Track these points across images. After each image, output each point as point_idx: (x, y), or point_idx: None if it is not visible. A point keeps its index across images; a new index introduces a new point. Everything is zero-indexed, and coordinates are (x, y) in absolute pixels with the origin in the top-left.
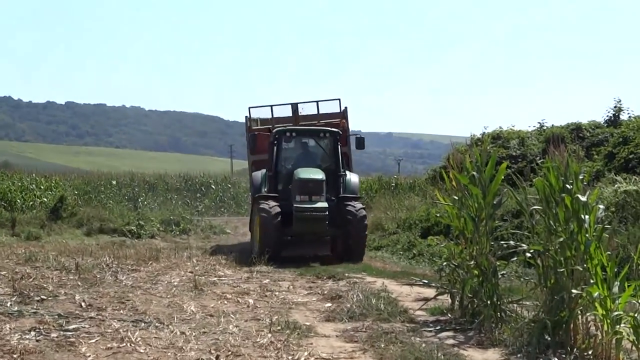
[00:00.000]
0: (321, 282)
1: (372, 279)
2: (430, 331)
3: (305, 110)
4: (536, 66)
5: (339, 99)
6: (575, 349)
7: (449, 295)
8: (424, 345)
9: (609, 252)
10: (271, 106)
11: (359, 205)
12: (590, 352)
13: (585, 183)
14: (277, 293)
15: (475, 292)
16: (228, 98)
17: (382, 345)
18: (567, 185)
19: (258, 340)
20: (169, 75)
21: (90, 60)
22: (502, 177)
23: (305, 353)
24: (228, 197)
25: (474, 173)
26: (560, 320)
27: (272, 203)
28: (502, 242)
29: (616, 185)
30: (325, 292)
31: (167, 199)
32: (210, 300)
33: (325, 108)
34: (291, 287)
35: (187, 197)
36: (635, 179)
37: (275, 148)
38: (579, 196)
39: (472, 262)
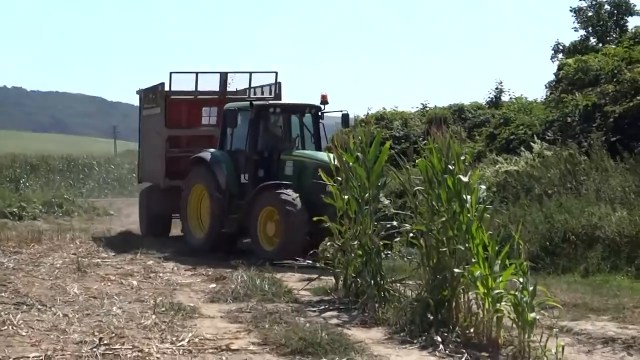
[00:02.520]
0: (206, 262)
1: (256, 259)
2: (315, 311)
3: (235, 81)
4: (418, 48)
5: (276, 72)
6: (457, 327)
7: (332, 276)
8: (308, 325)
9: (490, 232)
10: (196, 73)
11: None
12: (472, 330)
13: (467, 164)
14: (161, 274)
15: (358, 272)
16: (111, 78)
17: (267, 326)
18: (449, 166)
19: (142, 321)
20: (51, 55)
21: None
22: (386, 158)
23: (190, 334)
24: (112, 178)
25: (358, 154)
26: (442, 299)
27: (293, 194)
28: (386, 223)
29: (497, 166)
30: (210, 273)
31: (50, 180)
32: (94, 282)
33: (258, 82)
34: (175, 268)
35: (70, 178)
36: (516, 160)
37: (254, 127)
38: (461, 177)
39: (356, 242)
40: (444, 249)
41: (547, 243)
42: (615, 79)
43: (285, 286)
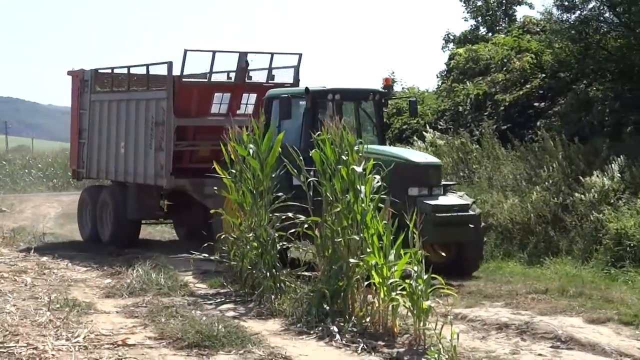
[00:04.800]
0: (100, 257)
1: (152, 253)
2: (211, 304)
3: (255, 63)
4: (308, 37)
5: (300, 54)
6: (353, 317)
7: (229, 268)
8: (204, 318)
9: (385, 222)
10: (213, 52)
11: (468, 198)
12: (368, 320)
13: (360, 154)
14: (55, 271)
15: (254, 264)
16: (0, 73)
17: (163, 320)
18: (343, 157)
19: (37, 319)
20: None
21: None
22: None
23: (85, 330)
24: (3, 174)
25: (252, 146)
26: (338, 289)
27: None
28: (281, 214)
29: None
30: (105, 268)
31: None
32: None
33: (279, 64)
34: (70, 264)
35: None
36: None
37: (310, 117)
38: (355, 167)
39: (251, 234)
40: (339, 240)
41: None
42: (505, 68)
43: (181, 280)
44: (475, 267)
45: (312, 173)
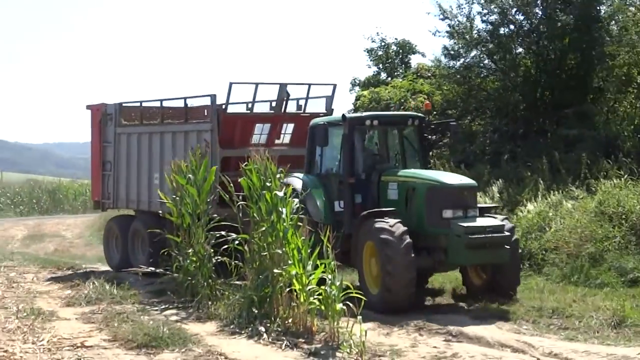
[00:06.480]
0: (61, 272)
1: (106, 267)
2: (157, 310)
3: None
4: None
5: (335, 85)
6: (278, 319)
7: (172, 279)
8: (151, 322)
9: (303, 237)
10: (256, 84)
11: (505, 220)
12: (290, 321)
13: (282, 181)
14: (22, 284)
15: (193, 275)
16: None
17: (116, 325)
18: (267, 184)
19: (6, 326)
20: None
21: None
22: (214, 178)
23: (49, 335)
24: None
25: (190, 175)
26: (265, 295)
27: (392, 221)
28: (215, 232)
29: None
30: (65, 281)
31: None
32: None
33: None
34: (35, 278)
35: None
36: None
37: (348, 144)
38: (277, 192)
39: (191, 250)
40: (265, 253)
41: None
42: (402, 107)
43: (131, 290)
44: (512, 289)
45: (241, 197)
